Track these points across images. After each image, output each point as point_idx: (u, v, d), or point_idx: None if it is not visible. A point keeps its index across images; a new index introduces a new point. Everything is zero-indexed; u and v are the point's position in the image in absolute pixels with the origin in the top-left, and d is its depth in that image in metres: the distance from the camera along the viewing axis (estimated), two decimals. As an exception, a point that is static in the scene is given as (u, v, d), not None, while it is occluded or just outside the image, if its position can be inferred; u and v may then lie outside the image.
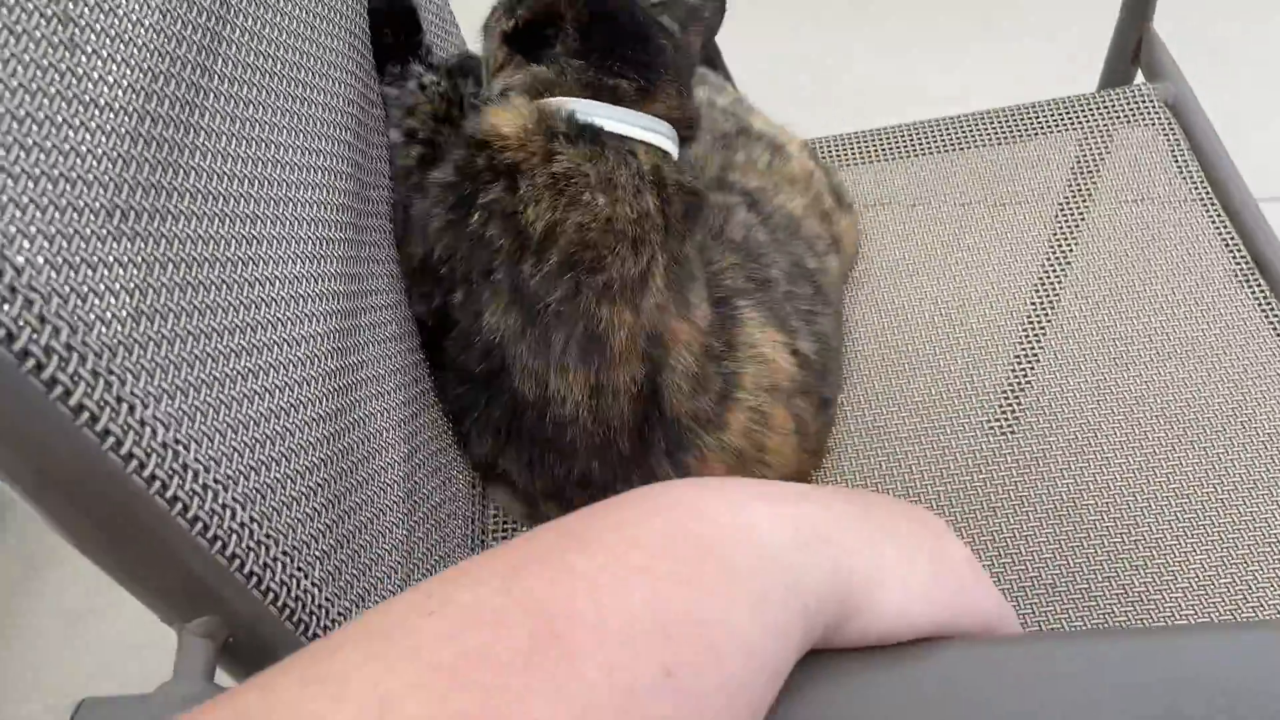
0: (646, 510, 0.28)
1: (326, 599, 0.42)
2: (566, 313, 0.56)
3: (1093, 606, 0.61)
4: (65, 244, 0.31)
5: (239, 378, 0.39)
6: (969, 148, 0.86)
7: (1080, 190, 0.83)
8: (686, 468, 0.59)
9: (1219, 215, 0.79)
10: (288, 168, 0.47)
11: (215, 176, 0.41)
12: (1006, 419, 0.70)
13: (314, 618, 0.40)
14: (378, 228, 0.60)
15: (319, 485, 0.44)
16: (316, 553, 0.42)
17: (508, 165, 0.57)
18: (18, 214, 0.30)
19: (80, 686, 1.04)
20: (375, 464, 0.51)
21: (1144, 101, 0.85)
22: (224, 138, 0.42)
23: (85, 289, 0.32)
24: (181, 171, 0.39)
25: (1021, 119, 0.87)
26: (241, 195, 0.42)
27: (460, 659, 0.23)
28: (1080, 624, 0.60)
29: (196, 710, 0.23)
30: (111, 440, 0.31)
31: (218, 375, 0.38)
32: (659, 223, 0.58)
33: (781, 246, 0.68)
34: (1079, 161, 0.85)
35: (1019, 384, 0.72)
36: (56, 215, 0.31)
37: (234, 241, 0.41)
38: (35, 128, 0.31)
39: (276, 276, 0.44)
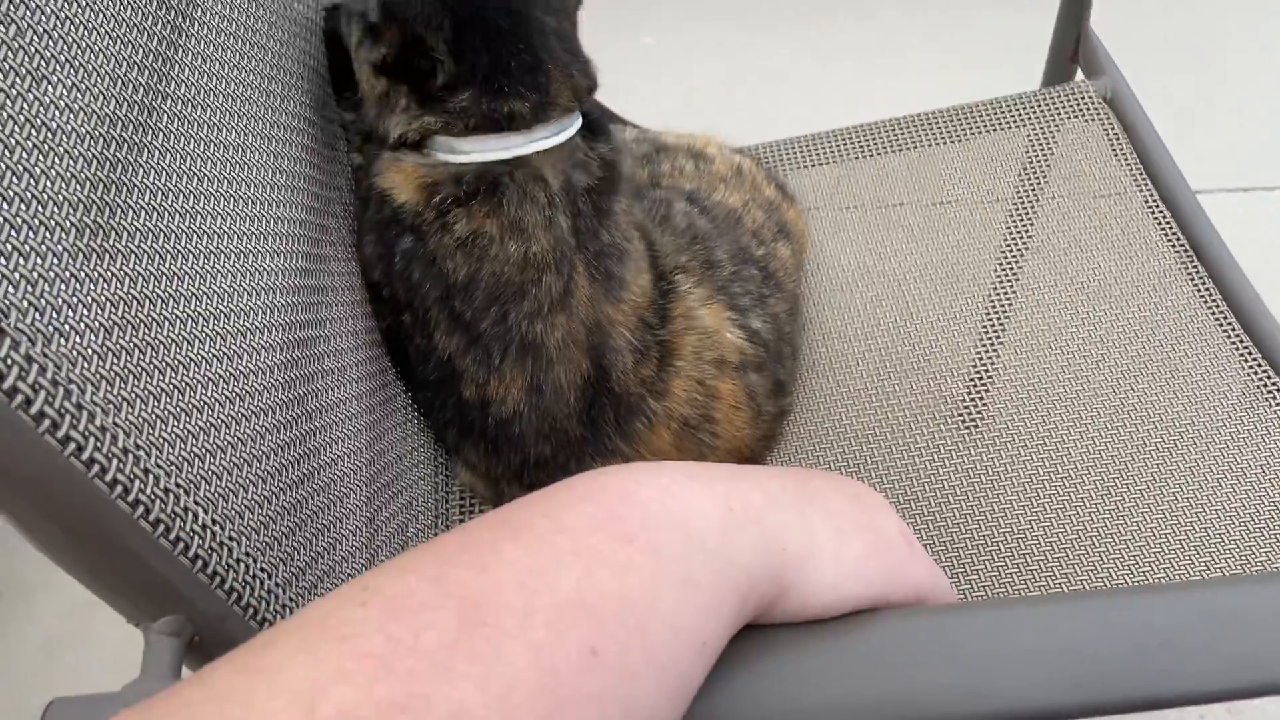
0: (577, 496, 0.30)
1: (291, 598, 0.43)
2: (500, 332, 0.59)
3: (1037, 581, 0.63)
4: (23, 261, 0.33)
5: (199, 385, 0.40)
6: (917, 147, 0.88)
7: (1028, 187, 0.85)
8: (635, 435, 0.62)
9: (1157, 205, 0.82)
10: (241, 194, 0.49)
11: (168, 197, 0.42)
12: (966, 415, 0.72)
13: (278, 616, 0.42)
14: (337, 241, 0.61)
15: (283, 489, 0.45)
16: (280, 554, 0.43)
17: (412, 225, 0.59)
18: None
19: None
20: (340, 468, 0.53)
21: (1083, 97, 0.88)
22: (177, 155, 0.44)
23: (44, 303, 0.33)
24: (138, 191, 0.40)
25: (967, 119, 0.89)
26: (197, 212, 0.44)
27: (388, 646, 0.24)
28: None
29: (144, 703, 0.24)
30: (73, 446, 0.33)
31: (177, 383, 0.39)
32: (573, 241, 0.60)
33: (725, 234, 0.70)
34: (1026, 159, 0.87)
35: (978, 382, 0.74)
36: (30, 235, 0.33)
37: (187, 256, 0.43)
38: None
39: (233, 286, 0.45)
